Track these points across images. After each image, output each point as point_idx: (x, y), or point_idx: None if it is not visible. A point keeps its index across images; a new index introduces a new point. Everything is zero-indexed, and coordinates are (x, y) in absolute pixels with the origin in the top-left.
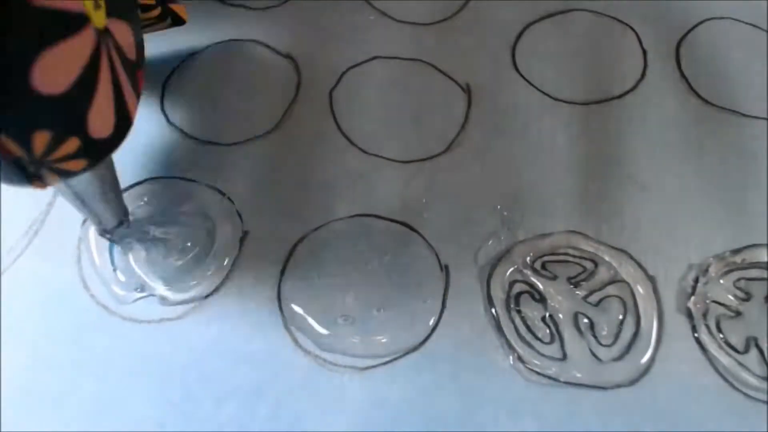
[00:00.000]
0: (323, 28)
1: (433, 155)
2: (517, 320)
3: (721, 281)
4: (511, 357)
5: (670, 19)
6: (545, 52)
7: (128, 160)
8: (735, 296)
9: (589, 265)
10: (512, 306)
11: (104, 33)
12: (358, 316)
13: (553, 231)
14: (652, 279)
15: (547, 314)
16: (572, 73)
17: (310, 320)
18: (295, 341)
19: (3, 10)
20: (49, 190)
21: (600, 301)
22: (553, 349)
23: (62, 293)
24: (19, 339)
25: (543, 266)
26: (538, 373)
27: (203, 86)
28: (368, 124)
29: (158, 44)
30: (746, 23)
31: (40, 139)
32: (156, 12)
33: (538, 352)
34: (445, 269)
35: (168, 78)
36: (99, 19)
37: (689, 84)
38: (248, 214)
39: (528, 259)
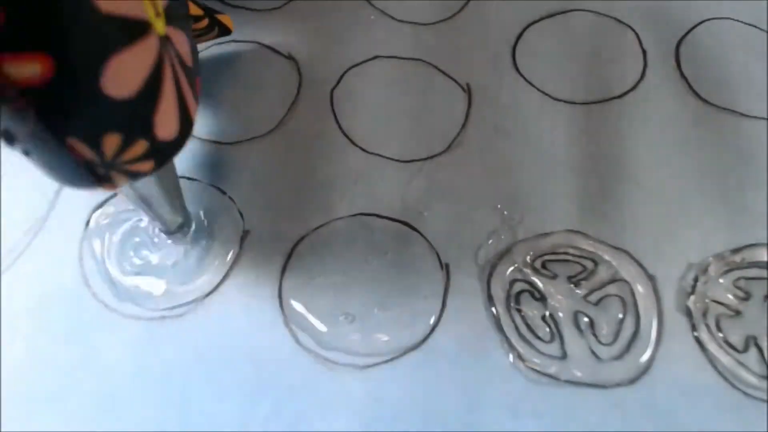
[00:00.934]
0: (324, 28)
1: (433, 155)
2: (518, 319)
3: (721, 280)
4: (511, 356)
5: (670, 19)
6: (545, 52)
7: None
8: (734, 295)
9: (589, 264)
10: (512, 305)
11: (165, 40)
12: (359, 314)
13: (553, 230)
14: (651, 278)
15: (547, 313)
16: (572, 73)
17: (311, 318)
18: (296, 339)
19: (75, 18)
20: (50, 189)
21: (600, 300)
22: (553, 348)
23: (63, 292)
24: (19, 337)
25: (543, 265)
26: (538, 372)
27: (205, 86)
28: (369, 124)
29: None
30: (746, 23)
31: (111, 142)
32: (204, 23)
33: (538, 351)
34: (445, 268)
35: None
36: (160, 26)
37: (689, 84)
38: (249, 213)
39: (528, 258)
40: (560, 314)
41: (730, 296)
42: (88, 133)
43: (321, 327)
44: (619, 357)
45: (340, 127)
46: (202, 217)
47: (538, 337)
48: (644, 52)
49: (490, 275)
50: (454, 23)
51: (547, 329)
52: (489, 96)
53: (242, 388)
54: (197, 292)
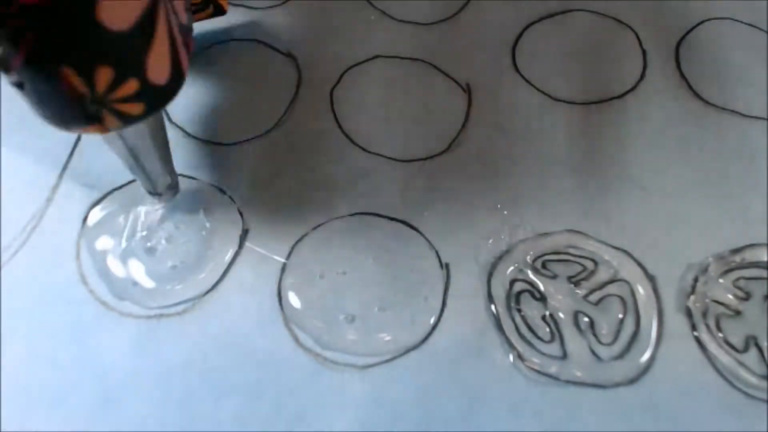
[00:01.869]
0: (324, 27)
1: (433, 154)
2: (518, 319)
3: (721, 280)
4: (511, 355)
5: (670, 19)
6: (545, 52)
7: None
8: (734, 295)
9: (589, 264)
10: (513, 305)
11: None
12: (359, 314)
13: (553, 230)
14: (651, 278)
15: (548, 313)
16: (572, 73)
17: (311, 318)
18: (296, 339)
19: None
20: (47, 186)
21: (600, 300)
22: (554, 348)
23: (61, 289)
24: (18, 335)
25: (543, 265)
26: (539, 372)
27: (204, 85)
28: (369, 123)
29: None
30: (746, 23)
31: (103, 75)
32: None
33: (539, 351)
34: (445, 268)
35: None
36: None
37: (689, 84)
38: (249, 212)
39: (528, 258)
40: (560, 314)
41: (730, 296)
42: (82, 63)
43: (321, 326)
44: (619, 357)
45: (340, 127)
46: (202, 216)
47: (539, 337)
48: (644, 52)
49: (490, 275)
50: (454, 23)
51: (548, 329)
52: (489, 96)
53: (242, 388)
54: (196, 290)
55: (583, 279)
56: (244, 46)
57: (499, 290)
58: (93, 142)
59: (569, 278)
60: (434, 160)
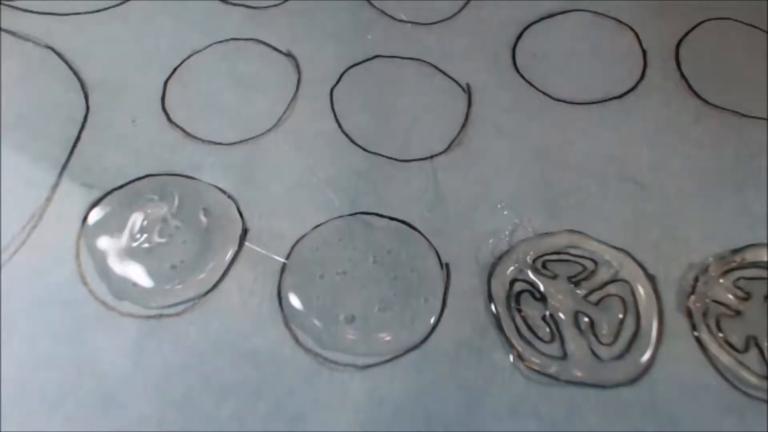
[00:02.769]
0: (324, 27)
1: (433, 154)
2: (518, 319)
3: (721, 280)
4: (511, 355)
5: (670, 19)
6: (545, 52)
7: (130, 158)
8: (735, 295)
9: (589, 264)
10: (513, 305)
11: None
12: (359, 314)
13: (553, 230)
14: (652, 278)
15: (548, 313)
16: (572, 73)
17: (311, 318)
18: (296, 339)
19: None
20: (47, 186)
21: (600, 300)
22: (554, 348)
23: (61, 289)
24: (17, 335)
25: (543, 265)
26: (539, 372)
27: (204, 85)
28: (369, 123)
29: (160, 43)
30: (746, 24)
31: None
32: None
33: (539, 351)
34: (445, 268)
35: (170, 76)
36: None
37: (689, 84)
38: (249, 211)
39: (528, 258)
40: (560, 314)
41: (731, 296)
42: None
43: (321, 327)
44: (620, 357)
45: (339, 126)
46: (202, 216)
47: (539, 337)
48: (644, 52)
49: (491, 275)
50: (454, 23)
51: (548, 329)
52: (489, 96)
53: (242, 388)
54: (196, 290)
55: (583, 279)
56: (243, 45)
57: (499, 290)
58: (92, 141)
59: (569, 278)
60: (435, 159)
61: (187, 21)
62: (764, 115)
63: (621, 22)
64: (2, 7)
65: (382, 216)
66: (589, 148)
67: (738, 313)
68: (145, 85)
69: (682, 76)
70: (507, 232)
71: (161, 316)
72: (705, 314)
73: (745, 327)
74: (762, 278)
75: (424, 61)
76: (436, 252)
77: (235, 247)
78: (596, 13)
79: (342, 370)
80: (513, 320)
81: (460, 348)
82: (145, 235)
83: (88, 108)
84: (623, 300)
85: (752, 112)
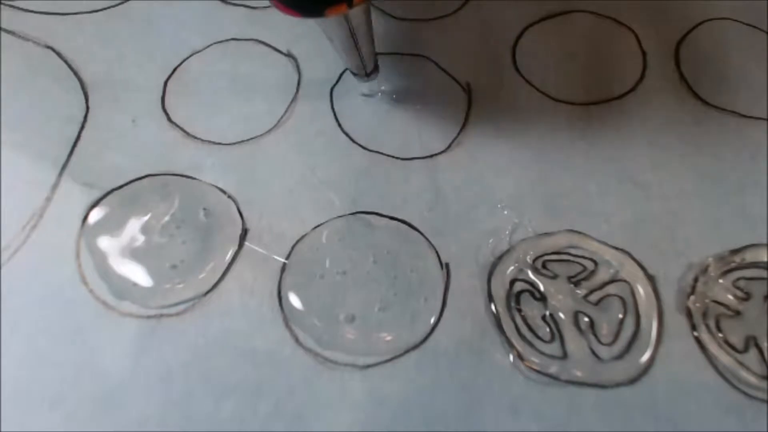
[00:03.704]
0: None
1: (433, 153)
2: (518, 319)
3: (721, 281)
4: (511, 355)
5: (670, 20)
6: (545, 52)
7: (130, 158)
8: (734, 296)
9: (589, 264)
10: (513, 304)
11: None
12: (359, 314)
13: (553, 230)
14: (651, 278)
15: (548, 313)
16: (572, 73)
17: (311, 318)
18: (296, 339)
19: None
20: (47, 185)
21: (600, 300)
22: (554, 348)
23: (61, 289)
24: (18, 335)
25: (543, 265)
26: (539, 372)
27: (204, 85)
28: (369, 122)
29: (160, 43)
30: (746, 24)
31: None
32: None
33: (539, 351)
34: (445, 267)
35: (170, 76)
36: None
37: (689, 85)
38: (249, 211)
39: (528, 258)
40: (560, 314)
41: (730, 296)
42: None
43: (321, 327)
44: (620, 357)
45: (339, 125)
46: (202, 216)
47: (539, 337)
48: (644, 52)
49: (491, 275)
50: (454, 23)
51: (548, 329)
52: (489, 96)
53: (242, 388)
54: (196, 290)
55: (583, 279)
56: (243, 45)
57: (499, 290)
58: (92, 141)
59: (569, 278)
60: (435, 158)
61: (187, 21)
62: (764, 116)
63: (621, 22)
64: (2, 6)
65: (382, 216)
66: (589, 148)
67: (738, 313)
68: (145, 85)
69: (682, 76)
70: (507, 232)
71: (161, 316)
72: (705, 314)
73: (745, 327)
74: (762, 278)
75: (424, 57)
76: (436, 252)
77: (235, 247)
78: (596, 13)
79: (342, 369)
80: (513, 320)
81: (460, 348)
82: (145, 235)
83: (88, 108)
84: (623, 300)
85: (752, 113)
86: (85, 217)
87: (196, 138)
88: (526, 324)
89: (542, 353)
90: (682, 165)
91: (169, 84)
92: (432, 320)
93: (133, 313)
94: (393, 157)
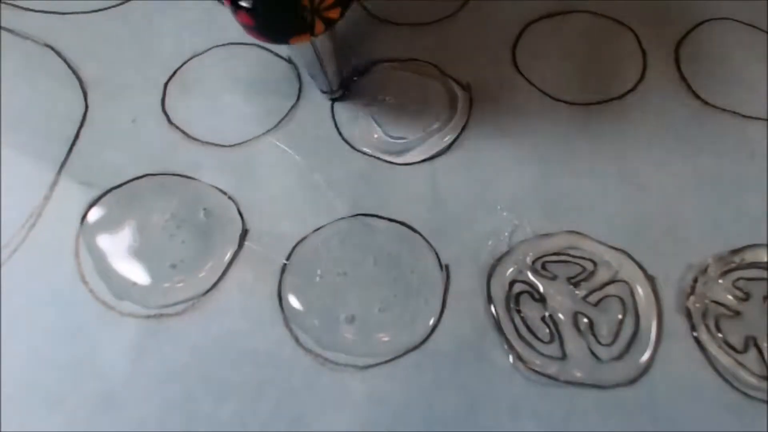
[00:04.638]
0: None
1: (433, 155)
2: (517, 320)
3: (720, 281)
4: (511, 356)
5: (670, 20)
6: (545, 52)
7: (129, 157)
8: (734, 296)
9: (588, 265)
10: (512, 305)
11: None
12: (359, 314)
13: (552, 231)
14: (651, 279)
15: (547, 314)
16: (572, 73)
17: (311, 318)
18: (296, 339)
19: None
20: (46, 184)
21: (599, 300)
22: (553, 349)
23: (61, 288)
24: (17, 335)
25: (543, 266)
26: (538, 372)
27: (205, 87)
28: (369, 125)
29: (160, 44)
30: (746, 24)
31: None
32: None
33: (538, 352)
34: (445, 269)
35: (170, 79)
36: None
37: (689, 85)
38: (249, 212)
39: (528, 259)
40: (560, 315)
41: (730, 297)
42: None
43: (321, 327)
44: (619, 357)
45: (338, 130)
46: (202, 216)
47: (538, 338)
48: (644, 52)
49: (490, 276)
50: (454, 23)
51: (547, 330)
52: (489, 96)
53: (242, 388)
54: (196, 290)
55: (582, 280)
56: (245, 52)
57: (499, 291)
58: (91, 140)
59: (569, 279)
60: (435, 160)
61: (188, 22)
62: (764, 116)
63: (621, 22)
64: (2, 5)
65: (382, 217)
66: (589, 148)
67: (737, 313)
68: (145, 85)
69: (682, 76)
70: (506, 233)
71: (161, 316)
72: (704, 315)
73: (745, 327)
74: (761, 279)
75: (424, 61)
76: (436, 253)
77: (235, 247)
78: (596, 13)
79: (342, 370)
80: (512, 321)
81: (460, 348)
82: (144, 235)
83: (86, 106)
84: (622, 301)
85: (752, 113)
86: (84, 216)
87: (196, 140)
88: (525, 325)
89: (542, 354)
90: (682, 165)
91: (169, 86)
92: (432, 321)
93: (133, 313)
94: (392, 161)
